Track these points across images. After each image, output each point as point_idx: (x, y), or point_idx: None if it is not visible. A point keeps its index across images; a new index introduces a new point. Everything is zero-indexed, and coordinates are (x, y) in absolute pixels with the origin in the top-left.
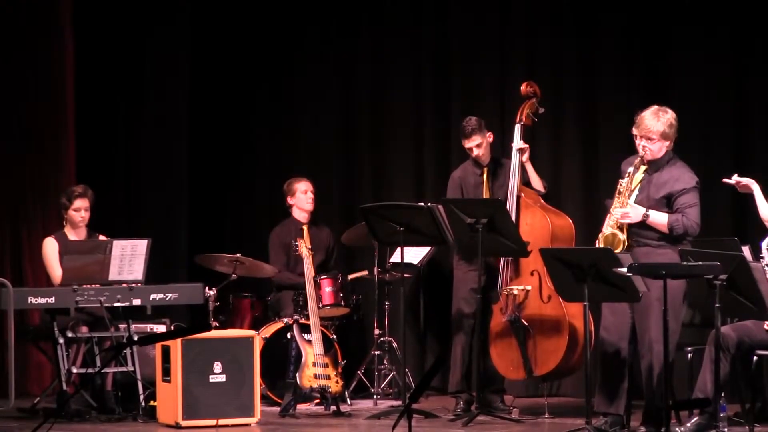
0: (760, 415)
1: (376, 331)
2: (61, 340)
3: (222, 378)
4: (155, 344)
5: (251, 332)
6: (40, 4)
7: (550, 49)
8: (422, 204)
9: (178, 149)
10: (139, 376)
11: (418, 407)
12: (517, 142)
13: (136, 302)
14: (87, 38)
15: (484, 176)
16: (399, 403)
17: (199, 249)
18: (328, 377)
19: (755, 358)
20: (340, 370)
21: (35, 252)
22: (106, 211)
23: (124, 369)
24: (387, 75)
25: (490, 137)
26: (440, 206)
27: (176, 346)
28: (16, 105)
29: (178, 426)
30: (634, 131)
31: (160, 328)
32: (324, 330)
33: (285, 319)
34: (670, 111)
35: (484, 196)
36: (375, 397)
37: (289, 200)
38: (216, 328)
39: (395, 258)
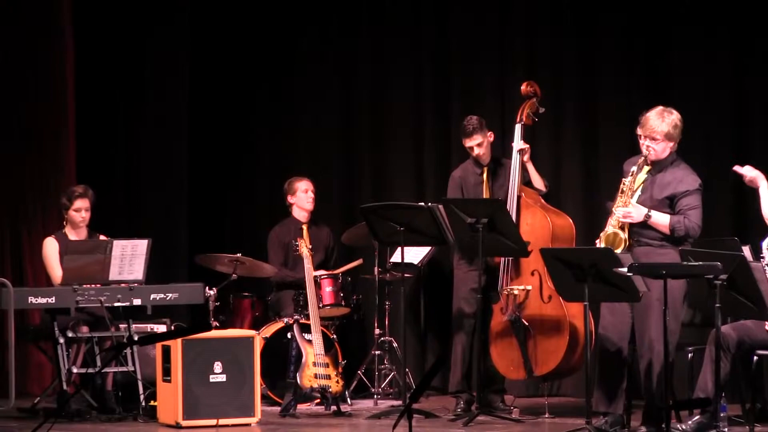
0: (760, 415)
1: (377, 331)
2: (62, 340)
3: (222, 378)
4: (155, 344)
5: (251, 332)
6: (40, 4)
7: (550, 49)
8: (422, 204)
9: (178, 149)
10: (139, 376)
11: (418, 407)
12: (518, 142)
13: (137, 302)
14: (87, 38)
15: (485, 176)
16: (399, 402)
17: (200, 249)
18: (328, 377)
19: (755, 357)
20: (340, 369)
21: (35, 252)
22: (106, 211)
23: (124, 369)
24: (387, 75)
25: (491, 137)
26: (440, 206)
27: (176, 345)
28: (16, 105)
29: (178, 426)
30: (639, 131)
31: (161, 328)
32: (324, 330)
33: (285, 319)
34: (675, 112)
35: (485, 196)
36: (375, 397)
37: (290, 199)
38: (216, 327)
39: (396, 258)
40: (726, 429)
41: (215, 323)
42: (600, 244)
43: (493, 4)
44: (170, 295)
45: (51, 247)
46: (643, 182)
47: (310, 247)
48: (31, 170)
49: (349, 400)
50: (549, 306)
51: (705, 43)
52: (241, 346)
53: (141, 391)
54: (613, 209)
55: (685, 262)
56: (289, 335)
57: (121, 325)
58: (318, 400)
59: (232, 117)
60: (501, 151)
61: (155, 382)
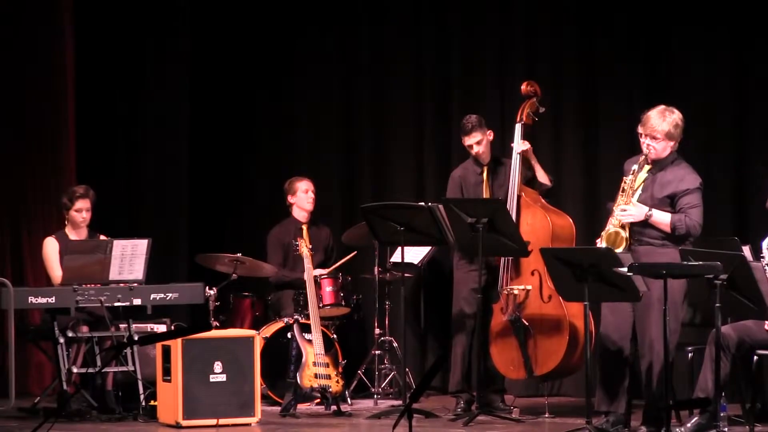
0: (760, 415)
1: (377, 331)
2: (62, 340)
3: (222, 378)
4: (156, 344)
5: (252, 332)
6: (41, 4)
7: (550, 49)
8: (423, 204)
9: (179, 149)
10: (139, 376)
11: (418, 407)
12: (518, 142)
13: (137, 302)
14: (87, 38)
15: (484, 175)
16: (399, 402)
17: (200, 249)
18: (328, 377)
19: (755, 357)
20: (340, 369)
21: (36, 252)
22: (106, 211)
23: (124, 369)
24: (387, 75)
25: (490, 135)
26: (440, 206)
27: (177, 345)
28: (16, 105)
29: (178, 426)
30: (639, 130)
31: (161, 328)
32: (324, 330)
33: (285, 319)
34: (676, 111)
35: (485, 196)
36: (375, 396)
37: (290, 199)
38: (216, 327)
39: (396, 258)
40: (726, 429)
41: (215, 323)
42: (601, 243)
43: (493, 4)
44: (170, 294)
45: (51, 246)
46: (643, 181)
47: (310, 247)
48: (31, 170)
49: (349, 399)
50: (549, 306)
51: (705, 43)
52: (241, 346)
53: (141, 390)
54: (614, 208)
55: (685, 262)
56: (289, 335)
57: (121, 325)
58: (318, 400)
59: (233, 117)
60: (501, 150)
61: (155, 382)
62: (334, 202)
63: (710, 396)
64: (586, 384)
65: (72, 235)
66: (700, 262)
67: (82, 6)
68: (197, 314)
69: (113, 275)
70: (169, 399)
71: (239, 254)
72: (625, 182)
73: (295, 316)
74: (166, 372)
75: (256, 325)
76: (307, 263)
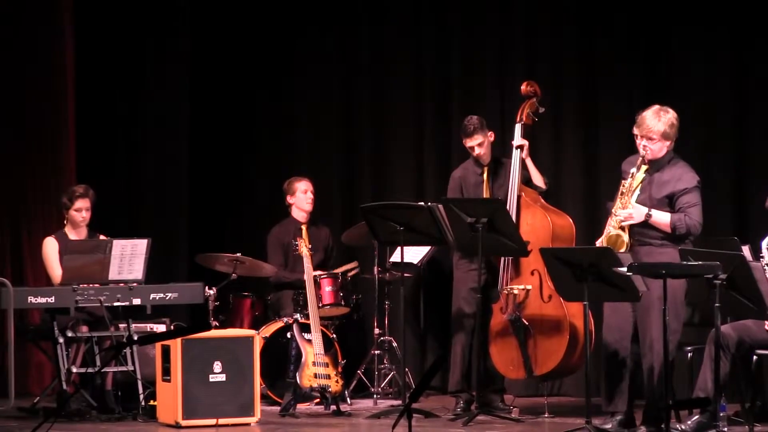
0: (760, 415)
1: (376, 331)
2: (61, 340)
3: (222, 377)
4: (155, 344)
5: (251, 332)
6: (41, 4)
7: (550, 49)
8: (422, 203)
9: (179, 149)
10: (139, 376)
11: (418, 407)
12: (517, 142)
13: (136, 302)
14: (87, 38)
15: (485, 175)
16: (399, 402)
17: (199, 248)
18: (328, 377)
19: (755, 357)
20: (340, 369)
21: (35, 251)
22: (106, 211)
23: (124, 368)
24: (387, 75)
25: (491, 136)
26: (440, 206)
27: (176, 345)
28: (16, 105)
29: (178, 425)
30: (635, 131)
31: (160, 328)
32: (324, 329)
33: (285, 319)
34: (671, 111)
35: (485, 196)
36: (375, 396)
37: (289, 199)
38: (216, 327)
39: (395, 257)
40: (726, 428)
41: (215, 323)
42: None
43: (493, 4)
44: (170, 294)
45: (51, 246)
46: (641, 182)
47: (310, 246)
48: (31, 170)
49: (348, 399)
50: (549, 306)
51: (705, 43)
52: (240, 346)
53: (140, 390)
54: (614, 211)
55: (684, 262)
56: (288, 335)
57: (120, 325)
58: (317, 400)
59: (233, 117)
60: (501, 150)
61: (155, 382)
62: (334, 202)
63: (710, 396)
64: (586, 384)
65: (72, 234)
66: (700, 262)
67: (82, 6)
68: (197, 314)
69: (113, 275)
70: (169, 399)
71: (239, 254)
72: (623, 185)
73: (295, 316)
74: (166, 372)
75: (256, 325)
76: (307, 263)
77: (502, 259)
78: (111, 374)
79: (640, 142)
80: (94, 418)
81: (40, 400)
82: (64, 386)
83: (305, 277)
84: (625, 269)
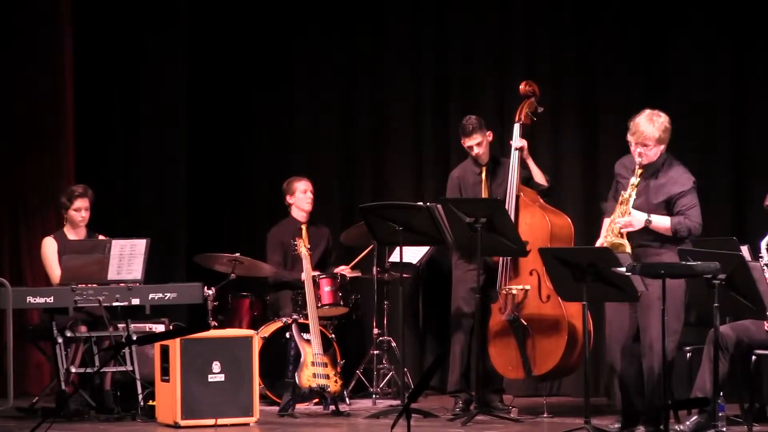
0: (758, 415)
1: (375, 331)
2: (60, 340)
3: (221, 377)
4: (154, 344)
5: (250, 332)
6: (40, 3)
7: (550, 49)
8: (421, 204)
9: (177, 149)
10: (137, 376)
11: (417, 407)
12: (516, 142)
13: (135, 302)
14: (86, 37)
15: (483, 175)
16: (398, 402)
17: (198, 248)
18: (327, 377)
19: (754, 357)
20: (339, 369)
21: (34, 251)
22: (105, 211)
23: (122, 368)
24: (386, 75)
25: (489, 136)
26: (439, 206)
27: (175, 345)
28: (15, 105)
29: (176, 425)
30: (629, 138)
31: (159, 328)
32: (323, 329)
33: (284, 319)
34: (663, 114)
35: (483, 195)
36: (374, 396)
37: (288, 199)
38: (215, 327)
39: (394, 258)
40: (724, 429)
41: (214, 323)
42: None
43: (493, 4)
44: (169, 294)
45: (50, 246)
46: (637, 186)
47: (309, 246)
48: (31, 170)
49: (347, 399)
50: (547, 306)
51: (705, 43)
52: (239, 346)
53: (139, 390)
54: (613, 218)
55: (683, 262)
56: (287, 335)
57: (119, 325)
58: (316, 400)
59: (232, 116)
60: (500, 150)
61: (154, 382)
62: (334, 202)
63: (708, 396)
64: (585, 384)
65: (71, 234)
66: (699, 262)
67: (81, 5)
68: (196, 314)
69: (112, 275)
70: (168, 399)
71: (238, 254)
72: (622, 195)
73: (294, 316)
74: (165, 372)
75: (255, 325)
76: (306, 263)
77: (501, 259)
78: (110, 374)
79: (636, 149)
80: (93, 418)
81: (38, 400)
82: (63, 386)
83: (304, 277)
84: (624, 269)
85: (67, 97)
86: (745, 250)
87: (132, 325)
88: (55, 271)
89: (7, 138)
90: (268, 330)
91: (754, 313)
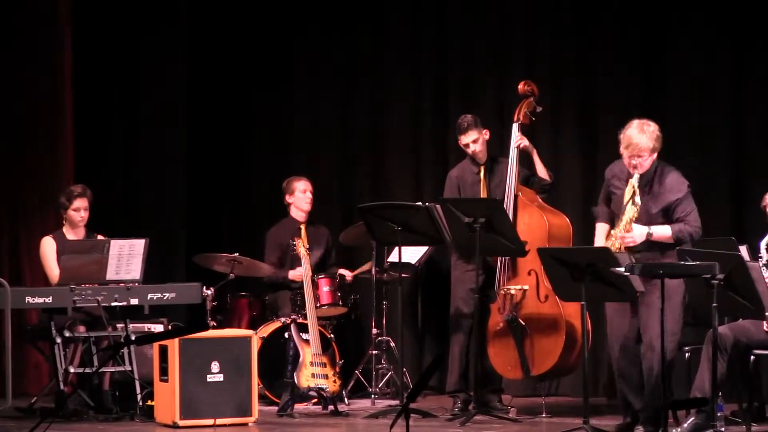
0: (757, 415)
1: (374, 331)
2: (59, 340)
3: (220, 377)
4: (153, 344)
5: (249, 332)
6: (39, 3)
7: (550, 49)
8: (420, 204)
9: (177, 149)
10: (136, 376)
11: (415, 407)
12: (515, 141)
13: (134, 302)
14: (86, 37)
15: (482, 175)
16: (397, 402)
17: (197, 248)
18: (325, 377)
19: (752, 357)
20: (337, 369)
21: (33, 251)
22: (104, 211)
23: (121, 368)
24: (386, 75)
25: (486, 134)
26: (438, 206)
27: (174, 345)
28: (15, 105)
29: (175, 425)
30: (623, 151)
31: (158, 328)
32: (322, 329)
33: (283, 319)
34: (651, 123)
35: (482, 195)
36: (373, 396)
37: (288, 199)
38: (214, 327)
39: (393, 258)
40: (723, 428)
41: (212, 323)
42: None
43: (493, 4)
44: (167, 294)
45: (48, 246)
46: (632, 196)
47: (308, 246)
48: (30, 170)
49: (346, 399)
50: (546, 305)
51: (705, 43)
52: (238, 346)
53: (138, 390)
54: (614, 233)
55: (682, 262)
56: (286, 335)
57: (118, 325)
58: (315, 400)
59: (231, 116)
60: (499, 150)
61: (152, 382)
62: (333, 202)
63: (707, 396)
64: (584, 384)
65: (70, 234)
66: (698, 262)
67: (80, 5)
68: (194, 314)
69: (110, 275)
70: (167, 399)
71: (237, 254)
72: (624, 211)
73: (293, 316)
74: (164, 372)
75: (254, 325)
76: (305, 263)
77: (500, 259)
78: (108, 374)
79: (630, 161)
80: (92, 418)
81: (37, 400)
82: (62, 386)
83: (303, 277)
84: (622, 269)
85: (67, 97)
86: (743, 250)
87: (131, 325)
88: (53, 271)
89: (6, 138)
90: (266, 330)
91: (752, 313)
